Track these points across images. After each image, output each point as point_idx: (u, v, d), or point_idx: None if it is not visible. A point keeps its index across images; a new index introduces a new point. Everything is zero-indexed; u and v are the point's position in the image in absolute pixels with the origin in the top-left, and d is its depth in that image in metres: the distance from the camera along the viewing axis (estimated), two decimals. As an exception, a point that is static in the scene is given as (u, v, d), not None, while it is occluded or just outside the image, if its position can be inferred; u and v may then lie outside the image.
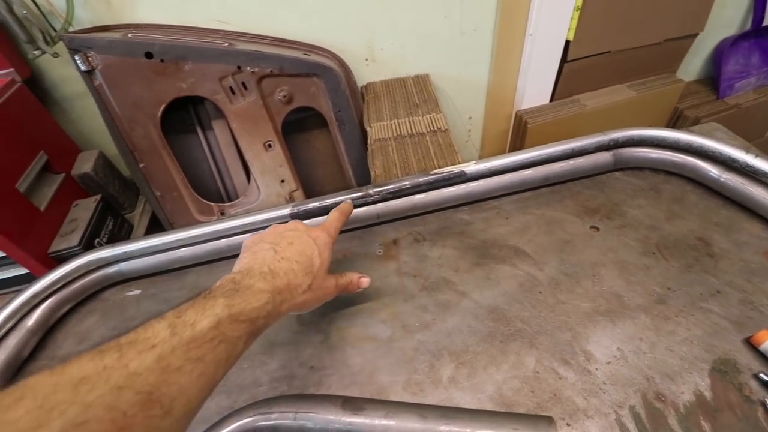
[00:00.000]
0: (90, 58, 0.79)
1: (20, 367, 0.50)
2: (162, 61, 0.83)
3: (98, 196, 0.91)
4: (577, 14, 1.05)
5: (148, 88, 0.84)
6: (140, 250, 0.55)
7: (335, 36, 1.01)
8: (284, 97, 0.92)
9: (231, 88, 0.88)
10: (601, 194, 0.61)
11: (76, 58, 0.78)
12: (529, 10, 1.04)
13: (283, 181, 0.98)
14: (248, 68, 0.87)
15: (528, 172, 0.60)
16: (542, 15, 1.03)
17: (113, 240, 0.90)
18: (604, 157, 0.61)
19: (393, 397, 0.42)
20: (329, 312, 0.50)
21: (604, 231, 0.55)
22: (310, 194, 1.05)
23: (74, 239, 0.81)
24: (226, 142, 0.98)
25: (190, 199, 0.95)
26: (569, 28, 1.07)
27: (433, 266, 0.54)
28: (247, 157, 0.94)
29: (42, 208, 0.82)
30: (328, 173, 1.09)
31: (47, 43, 0.84)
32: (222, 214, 0.98)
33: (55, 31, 0.85)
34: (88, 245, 0.82)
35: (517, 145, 1.23)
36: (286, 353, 0.47)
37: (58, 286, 0.54)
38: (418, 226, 0.59)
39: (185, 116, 0.95)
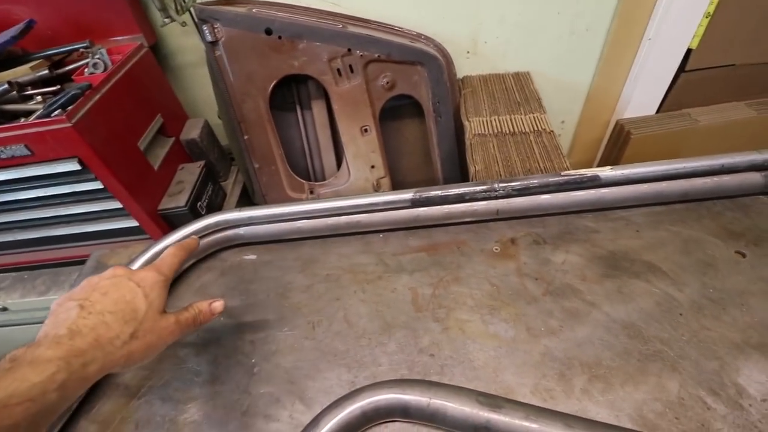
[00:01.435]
0: (216, 30, 0.83)
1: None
2: (279, 38, 0.85)
3: (202, 162, 0.96)
4: (706, 21, 0.96)
5: (263, 64, 0.87)
6: (263, 216, 0.57)
7: (441, 26, 0.99)
8: (387, 83, 0.92)
9: (338, 70, 0.89)
10: (746, 218, 0.55)
11: (204, 28, 0.82)
12: (651, 13, 0.97)
13: (373, 166, 0.98)
14: (358, 51, 0.88)
15: (664, 185, 0.55)
16: (666, 19, 0.95)
17: (212, 205, 0.95)
18: (754, 178, 0.55)
19: (521, 400, 0.40)
20: (446, 302, 0.50)
21: (752, 258, 0.50)
22: (395, 183, 1.05)
23: (181, 200, 0.86)
24: (322, 123, 1.00)
25: (284, 174, 0.97)
26: (694, 35, 0.98)
27: (557, 271, 0.51)
28: (343, 139, 0.95)
29: (155, 168, 0.88)
30: (414, 164, 1.08)
31: (177, 12, 0.89)
32: (311, 192, 1.00)
33: (185, 1, 0.89)
34: (192, 207, 0.87)
35: (613, 156, 1.16)
36: (404, 338, 0.47)
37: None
38: (537, 227, 0.57)
39: (287, 94, 0.98)
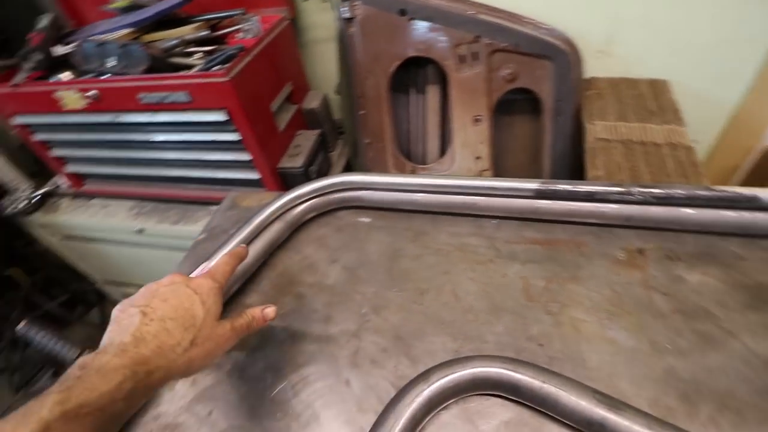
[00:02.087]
0: (355, 7, 0.88)
1: (272, 253, 0.60)
2: (410, 19, 0.88)
3: (318, 131, 1.03)
4: None
5: (392, 43, 0.90)
6: (384, 183, 0.60)
7: (575, 20, 0.94)
8: (509, 74, 0.90)
9: (462, 56, 0.90)
10: None
11: (345, 5, 0.88)
12: (842, 26, 0.82)
13: (478, 157, 0.98)
14: (485, 39, 0.87)
15: (841, 220, 0.48)
16: None
17: (321, 171, 1.02)
18: None
19: (637, 410, 0.38)
20: (560, 297, 0.49)
21: None
22: (495, 177, 1.03)
23: (298, 161, 0.94)
24: (434, 108, 1.01)
25: (391, 153, 1.01)
26: None
27: (691, 291, 0.47)
28: (454, 126, 0.96)
29: (280, 129, 0.97)
30: (519, 162, 1.05)
31: (323, -11, 0.96)
32: (412, 173, 1.03)
33: (329, -21, 0.96)
34: (306, 169, 0.94)
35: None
36: (513, 322, 0.47)
37: (315, 194, 0.62)
38: (670, 242, 0.53)
39: (404, 76, 1.01)
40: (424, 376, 0.40)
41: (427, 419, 0.40)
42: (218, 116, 0.82)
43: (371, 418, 0.39)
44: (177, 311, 0.35)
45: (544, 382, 0.38)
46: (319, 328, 0.50)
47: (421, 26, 0.88)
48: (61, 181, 1.19)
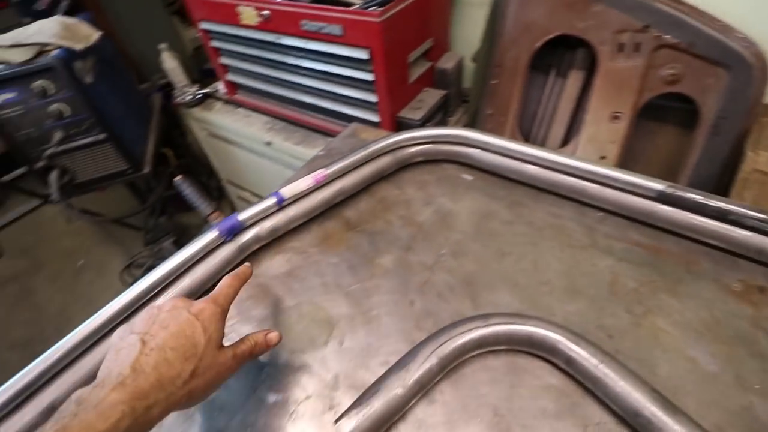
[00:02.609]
0: (520, -27, 0.86)
1: (376, 182, 0.66)
2: (576, -6, 0.83)
3: (444, 92, 1.05)
4: None
5: (547, 17, 0.87)
6: (499, 146, 0.61)
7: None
8: (671, 75, 0.81)
9: (622, 45, 0.83)
10: None
11: (511, -31, 0.86)
12: None
13: (603, 157, 0.91)
14: (655, 31, 0.79)
15: None
16: None
17: (435, 130, 1.05)
18: None
19: (697, 430, 0.36)
20: (648, 302, 0.46)
21: None
22: (613, 184, 0.95)
23: (418, 115, 0.98)
24: (570, 96, 0.96)
25: (510, 129, 1.00)
26: None
27: (813, 346, 0.41)
28: (586, 118, 0.90)
29: (410, 81, 1.01)
30: (648, 174, 0.95)
31: (492, -50, 0.94)
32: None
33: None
34: (422, 124, 0.98)
35: None
36: (588, 308, 0.46)
37: (429, 140, 0.66)
38: (806, 291, 0.46)
39: (548, 55, 0.96)
40: (484, 317, 0.43)
41: (473, 354, 0.42)
42: (361, 54, 0.89)
43: (422, 337, 0.43)
44: (178, 339, 0.33)
45: (601, 362, 0.38)
46: (398, 253, 0.55)
47: (584, 3, 0.82)
48: (220, 87, 1.41)
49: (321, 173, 0.59)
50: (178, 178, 0.68)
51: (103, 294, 1.87)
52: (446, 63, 1.08)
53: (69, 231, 2.24)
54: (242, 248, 0.55)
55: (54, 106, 1.15)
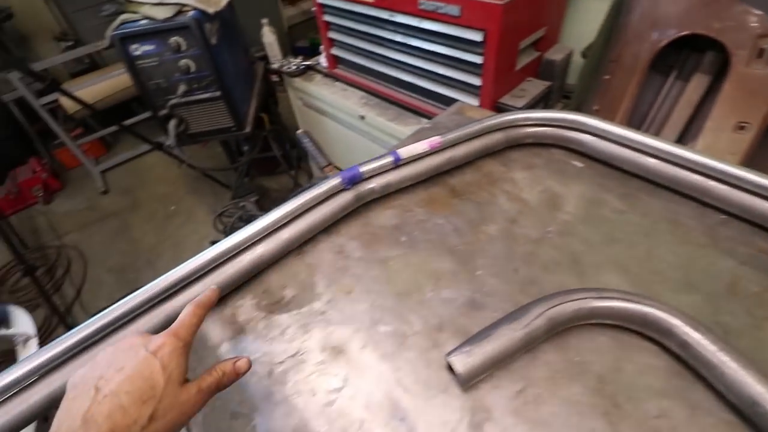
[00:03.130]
0: (657, -35, 0.82)
1: (482, 157, 0.68)
2: (720, -8, 0.77)
3: (548, 84, 1.03)
4: None
5: (680, 14, 0.82)
6: (618, 135, 0.60)
7: None
8: (818, 88, 0.74)
9: (762, 51, 0.76)
10: None
11: (648, -40, 0.82)
12: None
13: (717, 168, 0.85)
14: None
15: None
16: None
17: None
18: None
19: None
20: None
21: None
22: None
23: (520, 103, 0.98)
24: (689, 101, 0.90)
25: (614, 128, 0.96)
26: None
27: None
28: (707, 125, 0.85)
29: (516, 69, 1.01)
30: None
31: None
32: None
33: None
34: (522, 113, 0.98)
35: None
36: (703, 302, 0.46)
37: (541, 123, 0.66)
38: None
39: (671, 55, 0.91)
40: (598, 290, 0.44)
41: (581, 323, 0.44)
42: (475, 36, 0.90)
43: (526, 301, 0.45)
44: (133, 382, 0.31)
45: (721, 349, 0.37)
46: (503, 224, 0.57)
47: (725, 2, 0.77)
48: (321, 60, 1.49)
49: (436, 140, 0.62)
50: (300, 131, 0.75)
51: (189, 237, 2.08)
52: (555, 54, 1.06)
53: (165, 179, 2.51)
54: (358, 197, 0.60)
55: (183, 61, 1.29)
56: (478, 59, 0.94)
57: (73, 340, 0.43)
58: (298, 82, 1.51)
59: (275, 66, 1.57)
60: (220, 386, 0.36)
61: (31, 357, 0.42)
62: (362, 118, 1.29)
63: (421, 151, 0.62)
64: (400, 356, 0.45)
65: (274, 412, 0.42)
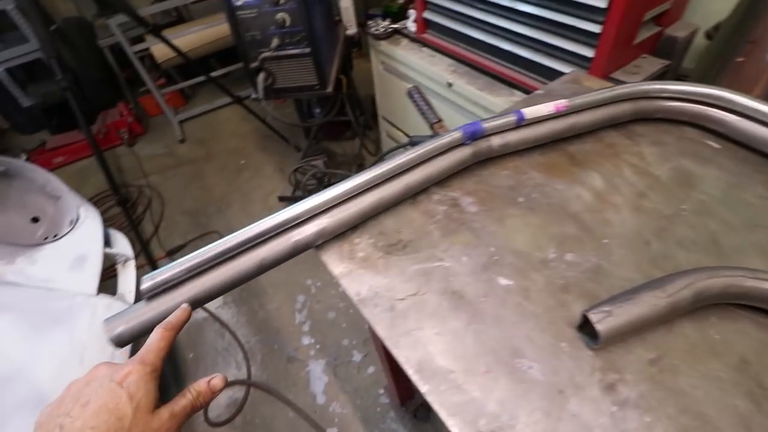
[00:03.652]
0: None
1: (603, 128, 0.65)
2: None
3: (666, 62, 0.96)
4: None
5: None
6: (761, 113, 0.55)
7: None
8: None
9: None
10: None
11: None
12: None
13: None
14: None
15: None
16: None
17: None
18: None
19: None
20: None
21: None
22: None
23: (634, 79, 0.91)
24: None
25: (740, 116, 0.88)
26: None
27: None
28: None
29: (633, 43, 0.93)
30: None
31: None
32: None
33: None
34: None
35: None
36: None
37: (676, 96, 0.62)
38: None
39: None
40: (751, 270, 0.41)
41: (724, 302, 0.41)
42: (599, 2, 0.84)
43: (658, 275, 0.43)
44: (99, 416, 0.31)
45: None
46: (630, 197, 0.55)
47: None
48: (410, 24, 1.46)
49: (563, 103, 0.60)
50: (412, 87, 0.75)
51: (256, 191, 2.18)
52: (678, 31, 0.97)
53: (236, 134, 2.62)
54: (475, 154, 0.59)
55: (279, 15, 1.32)
56: (596, 28, 0.88)
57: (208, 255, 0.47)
58: (383, 45, 1.50)
59: (352, 31, 1.56)
60: (195, 408, 0.36)
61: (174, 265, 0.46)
62: (450, 85, 1.26)
63: (546, 113, 0.60)
64: (523, 309, 0.45)
65: (399, 341, 0.44)
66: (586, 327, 0.41)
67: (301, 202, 0.52)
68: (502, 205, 0.56)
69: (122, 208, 1.65)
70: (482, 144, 0.59)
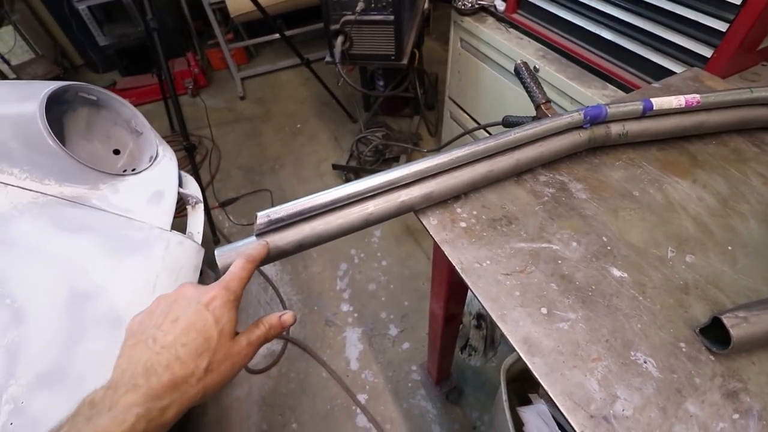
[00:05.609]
0: None
1: (728, 131, 0.60)
2: None
3: (792, 71, 0.87)
4: None
5: None
6: None
7: None
8: None
9: None
10: None
11: None
12: None
13: None
14: None
15: None
16: None
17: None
18: None
19: None
20: None
21: None
22: None
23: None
24: None
25: None
26: None
27: None
28: None
29: (758, 48, 0.86)
30: None
31: None
32: None
33: None
34: (751, 99, 0.84)
35: None
36: None
37: None
38: None
39: None
40: None
41: None
42: (732, -5, 0.77)
43: None
44: (189, 334, 0.32)
45: None
46: (759, 207, 0.51)
47: None
48: (498, 2, 1.40)
49: (695, 98, 0.56)
50: (519, 62, 0.72)
51: (309, 156, 2.21)
52: (809, 39, 0.88)
53: (295, 98, 2.65)
54: (591, 140, 0.57)
55: (370, -22, 1.30)
56: (722, 26, 0.81)
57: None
58: (467, 21, 1.45)
59: (426, 6, 1.51)
60: (267, 339, 0.37)
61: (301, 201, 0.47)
62: (536, 70, 1.21)
63: (675, 106, 0.56)
64: (638, 303, 0.43)
65: (505, 315, 0.43)
66: (710, 331, 0.39)
67: (413, 162, 0.52)
68: (615, 196, 0.54)
69: (188, 155, 1.71)
70: (600, 130, 0.57)
